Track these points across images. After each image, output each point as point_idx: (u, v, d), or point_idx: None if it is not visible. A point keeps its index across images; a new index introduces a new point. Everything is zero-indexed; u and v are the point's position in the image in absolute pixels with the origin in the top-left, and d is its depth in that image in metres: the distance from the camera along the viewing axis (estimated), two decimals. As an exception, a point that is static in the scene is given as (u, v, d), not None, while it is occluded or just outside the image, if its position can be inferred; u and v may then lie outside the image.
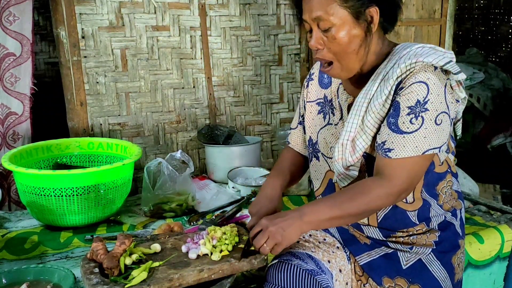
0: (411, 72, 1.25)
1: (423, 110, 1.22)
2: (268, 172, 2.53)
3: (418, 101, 1.23)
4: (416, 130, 1.23)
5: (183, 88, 2.96)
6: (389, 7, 1.33)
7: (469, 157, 4.82)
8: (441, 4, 3.58)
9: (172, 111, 2.96)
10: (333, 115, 1.46)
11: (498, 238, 1.87)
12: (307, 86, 1.58)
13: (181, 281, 1.27)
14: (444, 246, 1.40)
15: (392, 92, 1.28)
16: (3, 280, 1.47)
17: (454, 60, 1.28)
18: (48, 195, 1.90)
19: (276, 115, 3.26)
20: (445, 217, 1.41)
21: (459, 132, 1.40)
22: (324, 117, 1.50)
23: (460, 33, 7.03)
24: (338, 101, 1.45)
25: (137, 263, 1.35)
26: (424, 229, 1.39)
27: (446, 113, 1.25)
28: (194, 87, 2.99)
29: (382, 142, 1.27)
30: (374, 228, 1.42)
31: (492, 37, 6.71)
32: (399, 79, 1.27)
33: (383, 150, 1.27)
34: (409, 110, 1.23)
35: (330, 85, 1.50)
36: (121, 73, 2.79)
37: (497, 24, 6.64)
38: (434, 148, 1.24)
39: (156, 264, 1.33)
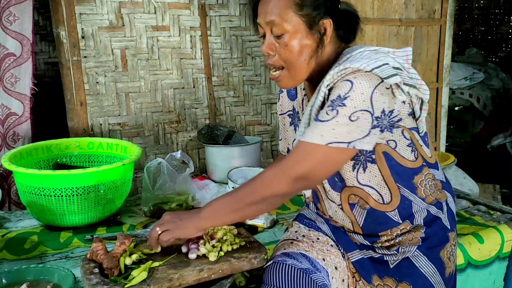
0: (340, 76, 1.25)
1: (341, 104, 1.21)
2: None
3: (339, 95, 1.22)
4: (327, 120, 1.21)
5: (183, 88, 2.96)
6: (346, 19, 1.33)
7: (469, 157, 4.83)
8: (441, 4, 3.58)
9: (172, 111, 2.96)
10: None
11: (498, 238, 1.87)
12: (279, 99, 1.61)
13: (181, 281, 1.27)
14: (431, 241, 1.38)
15: (326, 98, 1.28)
16: (3, 280, 1.47)
17: (393, 63, 1.25)
18: (48, 195, 1.90)
19: (276, 115, 3.26)
20: (428, 211, 1.39)
21: (421, 129, 1.38)
22: (295, 129, 1.53)
23: (460, 33, 7.03)
24: (303, 112, 1.47)
25: (137, 263, 1.35)
26: (408, 227, 1.38)
27: (368, 111, 1.21)
28: (194, 87, 2.99)
29: None
30: (359, 235, 1.43)
31: (492, 37, 6.72)
32: (330, 86, 1.27)
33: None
34: (330, 103, 1.23)
35: (296, 97, 1.53)
36: (121, 73, 2.79)
37: (497, 24, 6.65)
38: (340, 142, 1.20)
39: (156, 264, 1.34)
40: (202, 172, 3.01)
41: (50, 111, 3.45)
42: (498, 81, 5.76)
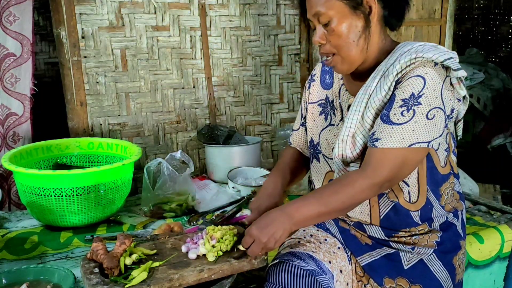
0: (410, 68, 1.25)
1: (416, 103, 1.22)
2: (268, 172, 2.53)
3: (413, 94, 1.23)
4: (405, 122, 1.22)
5: (183, 88, 2.96)
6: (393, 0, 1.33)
7: (469, 157, 4.82)
8: (441, 4, 3.58)
9: (172, 111, 2.96)
10: (334, 115, 1.47)
11: (498, 238, 1.87)
12: (309, 87, 1.59)
13: (181, 281, 1.27)
14: (445, 246, 1.39)
15: (392, 88, 1.28)
16: (3, 280, 1.47)
17: (456, 58, 1.28)
18: (48, 195, 1.90)
19: (276, 115, 3.26)
20: (447, 217, 1.41)
21: (460, 132, 1.39)
22: (326, 118, 1.50)
23: (460, 33, 7.03)
24: (339, 102, 1.46)
25: (137, 263, 1.34)
26: (426, 229, 1.39)
27: (441, 109, 1.24)
28: (194, 87, 2.99)
29: (372, 133, 1.28)
30: (377, 227, 1.42)
31: (492, 37, 6.71)
32: (399, 75, 1.27)
33: (371, 140, 1.27)
34: (402, 102, 1.23)
35: (332, 86, 1.51)
36: (121, 73, 2.79)
37: (497, 24, 6.64)
38: (422, 142, 1.23)
39: (156, 264, 1.33)
40: (202, 172, 3.00)
41: (50, 111, 3.45)
42: (498, 81, 5.76)
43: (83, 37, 2.67)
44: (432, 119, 1.23)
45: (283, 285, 1.30)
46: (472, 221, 2.03)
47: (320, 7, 1.29)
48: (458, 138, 1.40)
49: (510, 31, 6.52)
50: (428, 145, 1.24)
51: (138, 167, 2.75)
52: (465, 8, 6.98)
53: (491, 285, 1.90)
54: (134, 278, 1.26)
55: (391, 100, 1.27)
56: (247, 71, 3.12)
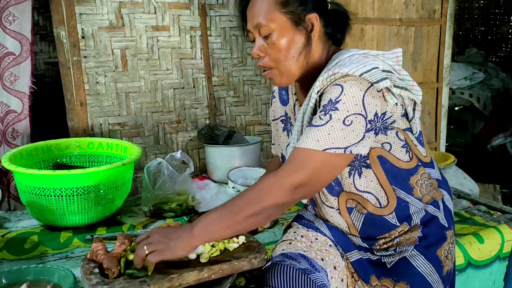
0: (331, 82, 1.25)
1: (333, 108, 1.20)
2: (268, 172, 2.53)
3: (330, 99, 1.22)
4: (321, 125, 1.20)
5: (183, 88, 2.96)
6: (334, 16, 1.33)
7: (469, 157, 4.83)
8: (441, 4, 3.58)
9: (172, 111, 2.96)
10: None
11: (498, 238, 1.87)
12: (271, 104, 1.62)
13: (181, 281, 1.27)
14: (428, 240, 1.38)
15: (317, 104, 1.28)
16: (3, 280, 1.47)
17: (390, 62, 1.27)
18: (48, 195, 1.90)
19: (276, 115, 3.26)
20: (426, 211, 1.39)
21: (415, 130, 1.37)
22: (288, 134, 1.52)
23: (460, 33, 7.03)
24: (295, 118, 1.47)
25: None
26: (406, 229, 1.39)
27: (361, 115, 1.20)
28: (194, 87, 2.99)
29: None
30: (357, 238, 1.43)
31: (492, 37, 6.72)
32: (320, 92, 1.27)
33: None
34: (322, 108, 1.23)
35: (288, 102, 1.52)
36: (121, 73, 2.79)
37: (497, 24, 6.65)
38: (337, 148, 1.19)
39: None
40: (202, 172, 3.01)
41: (50, 111, 3.45)
42: (498, 81, 5.76)
43: (83, 37, 2.67)
44: (349, 125, 1.19)
45: (278, 287, 1.30)
46: (472, 221, 2.03)
47: (261, 19, 1.28)
48: (415, 134, 1.37)
49: (510, 31, 6.52)
50: (344, 151, 1.19)
51: (138, 167, 2.75)
52: (465, 8, 6.98)
53: (491, 285, 1.90)
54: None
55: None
56: (247, 71, 3.12)
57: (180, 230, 1.28)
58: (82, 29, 2.66)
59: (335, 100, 1.21)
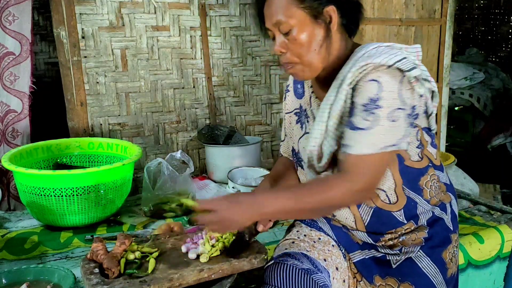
0: (363, 74, 1.25)
1: (376, 107, 1.22)
2: (268, 172, 2.53)
3: (371, 98, 1.22)
4: (370, 127, 1.22)
5: (183, 88, 2.96)
6: (349, 7, 1.34)
7: (469, 157, 4.82)
8: (441, 4, 3.57)
9: (172, 111, 2.96)
10: (308, 123, 1.48)
11: (498, 238, 1.87)
12: (285, 98, 1.62)
13: (181, 281, 1.27)
14: (433, 241, 1.39)
15: (349, 96, 1.28)
16: (3, 280, 1.47)
17: (410, 55, 1.29)
18: (48, 195, 1.90)
19: (276, 115, 3.26)
20: (433, 212, 1.40)
21: (433, 126, 1.39)
22: (302, 127, 1.52)
23: (460, 33, 7.03)
24: (311, 110, 1.47)
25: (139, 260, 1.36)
26: (412, 228, 1.39)
27: (402, 109, 1.23)
28: (194, 87, 2.99)
29: (343, 141, 1.29)
30: (363, 233, 1.43)
31: (492, 37, 6.72)
32: (353, 83, 1.27)
33: (343, 147, 1.28)
34: (363, 107, 1.23)
35: (304, 95, 1.53)
36: (121, 73, 2.79)
37: (497, 24, 6.65)
38: (390, 145, 1.23)
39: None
40: (202, 172, 3.01)
41: (50, 111, 3.45)
42: (498, 81, 5.76)
43: (83, 37, 2.67)
44: (396, 121, 1.22)
45: (279, 286, 1.30)
46: (472, 221, 2.03)
47: (280, 16, 1.29)
48: (432, 131, 1.40)
49: (510, 31, 6.52)
50: (396, 147, 1.23)
51: (138, 167, 2.75)
52: (465, 8, 6.98)
53: (491, 285, 1.90)
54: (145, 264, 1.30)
55: (352, 107, 1.27)
56: (247, 71, 3.12)
57: (245, 205, 1.26)
58: (82, 29, 2.66)
59: (375, 97, 1.22)
